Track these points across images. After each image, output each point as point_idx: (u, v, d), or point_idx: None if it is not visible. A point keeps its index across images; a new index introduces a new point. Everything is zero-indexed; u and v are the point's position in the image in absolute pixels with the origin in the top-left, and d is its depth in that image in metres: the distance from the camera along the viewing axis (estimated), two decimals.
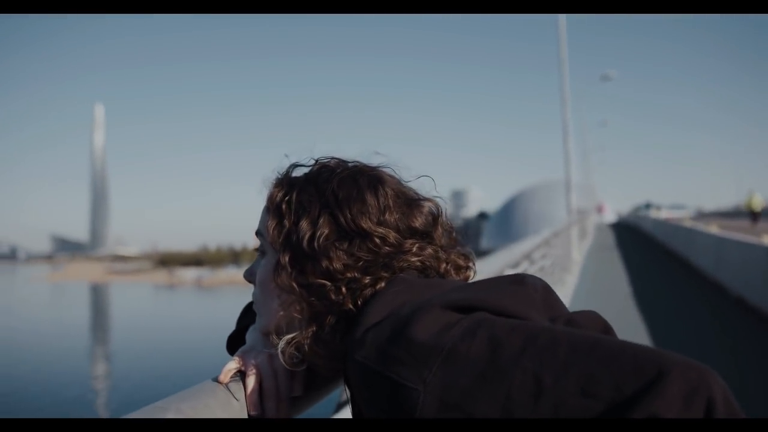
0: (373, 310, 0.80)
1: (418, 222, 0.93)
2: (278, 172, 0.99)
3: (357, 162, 0.98)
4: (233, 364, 0.90)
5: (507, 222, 76.49)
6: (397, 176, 0.98)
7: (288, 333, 0.90)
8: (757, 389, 5.31)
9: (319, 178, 0.94)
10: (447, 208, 1.00)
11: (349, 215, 0.89)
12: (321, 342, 0.88)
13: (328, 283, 0.87)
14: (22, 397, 21.43)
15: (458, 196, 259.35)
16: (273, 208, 0.94)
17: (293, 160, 0.99)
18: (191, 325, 39.10)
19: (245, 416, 0.87)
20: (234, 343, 1.04)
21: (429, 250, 0.92)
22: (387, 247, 0.89)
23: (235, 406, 0.86)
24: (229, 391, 0.86)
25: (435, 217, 0.97)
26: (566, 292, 10.25)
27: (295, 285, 0.88)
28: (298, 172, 0.98)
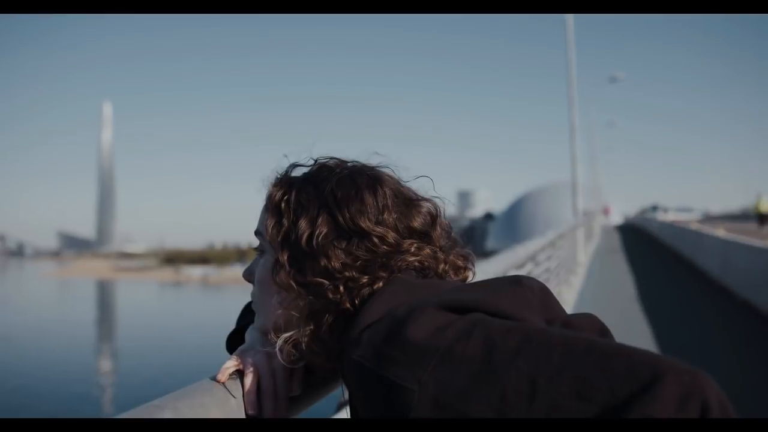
0: (370, 309, 0.80)
1: (417, 222, 0.93)
2: (277, 172, 0.99)
3: (356, 162, 0.98)
4: (231, 363, 0.90)
5: (513, 223, 76.51)
6: (396, 176, 0.98)
7: (286, 331, 0.90)
8: (763, 393, 5.28)
9: (318, 178, 0.94)
10: (446, 208, 1.00)
11: (347, 214, 0.89)
12: (319, 340, 0.88)
13: (326, 282, 0.87)
14: (30, 393, 21.50)
15: (465, 197, 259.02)
16: (272, 208, 0.94)
17: (292, 160, 1.00)
18: (197, 323, 39.12)
19: (243, 416, 0.87)
20: (234, 342, 1.04)
21: (427, 250, 0.92)
22: (385, 247, 0.89)
23: (233, 405, 0.85)
24: (227, 390, 0.86)
25: (433, 217, 0.97)
26: (571, 293, 10.22)
27: (293, 283, 0.88)
28: (297, 172, 0.98)
